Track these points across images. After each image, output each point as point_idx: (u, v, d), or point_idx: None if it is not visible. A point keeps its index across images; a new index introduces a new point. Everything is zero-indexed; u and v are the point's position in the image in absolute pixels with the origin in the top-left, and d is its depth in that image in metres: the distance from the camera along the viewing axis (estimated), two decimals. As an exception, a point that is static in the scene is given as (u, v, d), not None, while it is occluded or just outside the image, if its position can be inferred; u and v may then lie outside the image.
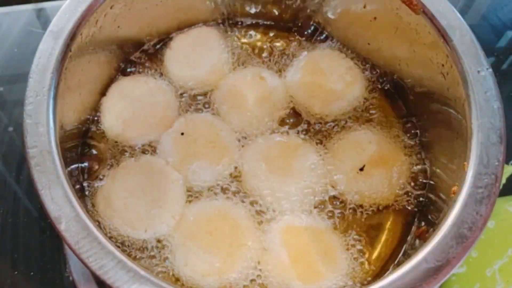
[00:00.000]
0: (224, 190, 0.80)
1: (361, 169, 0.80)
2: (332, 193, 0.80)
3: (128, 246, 0.74)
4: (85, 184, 0.80)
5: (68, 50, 0.71)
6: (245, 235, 0.74)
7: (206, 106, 0.88)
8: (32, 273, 0.83)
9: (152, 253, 0.74)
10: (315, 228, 0.75)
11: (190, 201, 0.78)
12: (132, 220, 0.74)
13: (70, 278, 0.81)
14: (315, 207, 0.78)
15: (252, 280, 0.72)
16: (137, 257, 0.74)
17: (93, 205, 0.77)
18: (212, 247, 0.72)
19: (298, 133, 0.86)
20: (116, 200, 0.75)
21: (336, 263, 0.73)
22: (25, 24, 1.11)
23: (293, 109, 0.88)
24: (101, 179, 0.80)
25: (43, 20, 1.12)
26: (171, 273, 0.73)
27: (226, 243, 0.73)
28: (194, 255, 0.71)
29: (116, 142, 0.84)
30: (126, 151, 0.83)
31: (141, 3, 0.85)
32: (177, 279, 0.72)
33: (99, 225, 0.74)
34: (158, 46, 0.95)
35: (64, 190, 0.60)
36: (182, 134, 0.82)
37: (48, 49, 0.70)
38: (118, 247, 0.73)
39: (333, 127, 0.87)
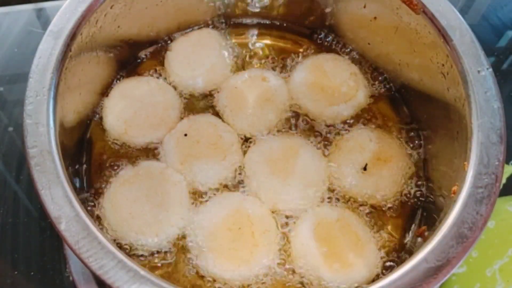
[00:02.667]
0: (228, 191, 0.80)
1: (364, 169, 0.80)
2: (334, 192, 0.80)
3: (149, 255, 0.74)
4: (85, 185, 0.80)
5: (68, 50, 0.71)
6: (264, 222, 0.74)
7: (209, 107, 0.88)
8: (32, 273, 0.83)
9: (173, 259, 0.74)
10: (343, 220, 0.76)
11: (196, 203, 0.78)
12: (141, 227, 0.73)
13: (70, 278, 0.81)
14: (318, 206, 0.78)
15: (279, 264, 0.74)
16: (160, 264, 0.74)
17: (98, 217, 0.77)
18: (235, 242, 0.72)
19: (300, 134, 0.86)
20: (121, 210, 0.74)
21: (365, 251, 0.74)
22: (25, 24, 1.11)
23: (296, 111, 0.88)
24: (101, 181, 0.80)
25: (43, 20, 1.12)
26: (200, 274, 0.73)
27: (249, 234, 0.73)
28: (221, 255, 0.72)
29: (117, 141, 0.84)
30: (127, 151, 0.83)
31: (141, 3, 0.85)
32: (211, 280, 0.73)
33: (113, 240, 0.74)
34: (159, 47, 0.95)
35: (64, 190, 0.60)
36: (185, 135, 0.82)
37: (48, 49, 0.70)
38: (131, 255, 0.73)
39: (335, 128, 0.87)
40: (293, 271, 0.73)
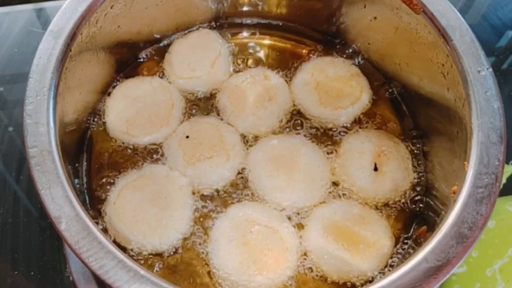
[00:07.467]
0: (232, 192, 0.80)
1: (375, 169, 0.80)
2: (336, 190, 0.80)
3: (151, 258, 0.74)
4: (85, 185, 0.80)
5: (68, 50, 0.71)
6: (275, 224, 0.74)
7: (210, 108, 0.88)
8: (32, 273, 0.83)
9: (176, 261, 0.74)
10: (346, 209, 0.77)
11: (202, 210, 0.78)
12: (145, 231, 0.73)
13: (70, 278, 0.81)
14: (316, 207, 0.78)
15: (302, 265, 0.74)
16: (162, 266, 0.74)
17: (100, 220, 0.77)
18: (254, 251, 0.72)
19: (301, 134, 0.86)
20: (124, 213, 0.74)
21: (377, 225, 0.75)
22: (25, 24, 1.11)
23: (297, 111, 0.88)
24: (102, 181, 0.80)
25: (43, 20, 1.12)
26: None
27: (263, 239, 0.73)
28: (261, 269, 0.71)
29: (118, 141, 0.84)
30: (127, 151, 0.83)
31: (141, 3, 0.85)
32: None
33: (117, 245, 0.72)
34: (159, 47, 0.95)
35: (64, 190, 0.60)
36: (187, 137, 0.82)
37: (48, 49, 0.70)
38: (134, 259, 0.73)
39: (337, 128, 0.87)
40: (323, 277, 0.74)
